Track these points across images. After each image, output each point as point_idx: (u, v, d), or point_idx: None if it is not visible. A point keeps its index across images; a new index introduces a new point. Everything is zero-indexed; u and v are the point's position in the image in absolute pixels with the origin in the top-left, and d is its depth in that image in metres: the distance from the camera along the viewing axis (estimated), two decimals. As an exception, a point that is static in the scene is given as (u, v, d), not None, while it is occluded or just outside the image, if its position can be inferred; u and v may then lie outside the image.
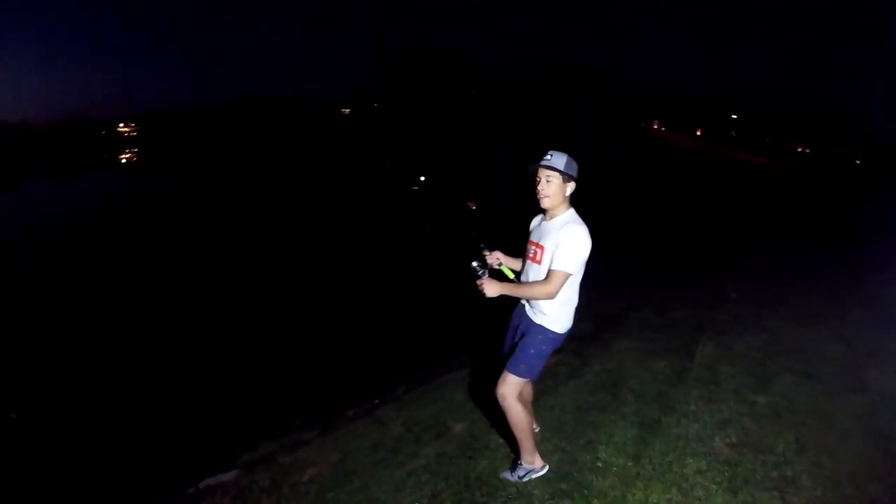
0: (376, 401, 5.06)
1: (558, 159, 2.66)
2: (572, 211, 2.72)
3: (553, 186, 2.67)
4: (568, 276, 2.59)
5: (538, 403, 3.68)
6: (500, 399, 2.77)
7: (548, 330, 2.76)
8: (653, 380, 4.13)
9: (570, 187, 2.70)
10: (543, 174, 2.67)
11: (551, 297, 2.61)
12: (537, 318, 2.78)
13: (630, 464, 2.99)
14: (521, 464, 2.95)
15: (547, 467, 2.97)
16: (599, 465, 3.01)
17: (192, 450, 4.93)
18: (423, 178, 27.43)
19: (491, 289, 2.72)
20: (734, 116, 57.54)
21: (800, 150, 54.01)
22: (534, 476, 2.93)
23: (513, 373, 2.77)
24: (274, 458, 3.92)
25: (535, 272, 2.76)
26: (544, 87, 48.24)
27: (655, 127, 61.16)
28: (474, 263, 2.85)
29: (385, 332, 7.92)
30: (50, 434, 5.18)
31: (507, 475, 2.99)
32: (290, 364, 6.98)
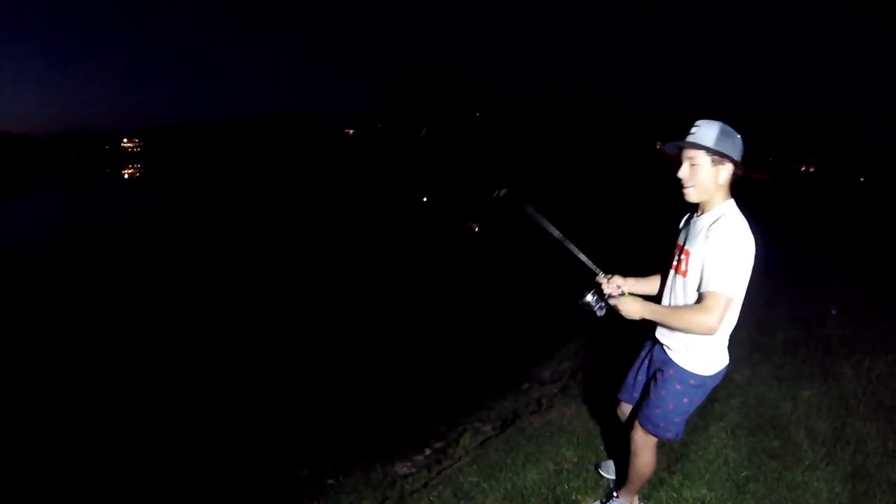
0: (428, 451, 3.70)
1: (706, 131, 1.92)
2: (730, 203, 1.99)
3: (699, 173, 1.95)
4: (729, 300, 1.89)
5: (692, 460, 3.01)
6: (635, 444, 2.27)
7: (690, 373, 2.09)
8: (816, 415, 3.48)
9: (726, 171, 1.95)
10: (685, 157, 1.97)
11: (713, 330, 1.90)
12: (675, 354, 2.12)
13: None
14: (617, 496, 2.52)
15: None
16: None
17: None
18: (424, 199, 26.14)
19: (631, 307, 2.09)
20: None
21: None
22: None
23: (650, 432, 2.19)
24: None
25: (681, 287, 2.08)
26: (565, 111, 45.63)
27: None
28: (588, 297, 2.22)
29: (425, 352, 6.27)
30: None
31: None
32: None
